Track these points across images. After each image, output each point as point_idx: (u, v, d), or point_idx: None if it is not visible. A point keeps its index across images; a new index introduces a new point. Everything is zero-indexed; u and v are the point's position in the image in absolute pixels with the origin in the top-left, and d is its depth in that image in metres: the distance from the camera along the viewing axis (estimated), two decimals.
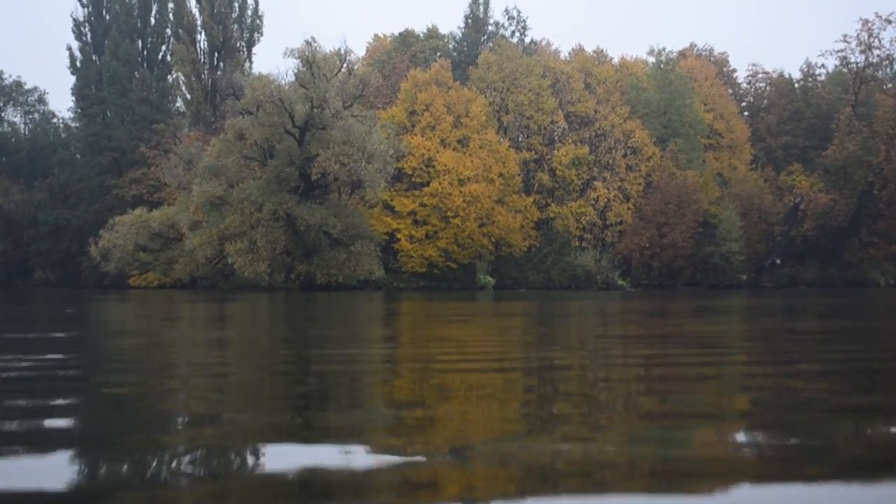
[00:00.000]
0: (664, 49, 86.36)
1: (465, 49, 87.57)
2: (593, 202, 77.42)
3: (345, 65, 68.95)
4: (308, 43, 66.38)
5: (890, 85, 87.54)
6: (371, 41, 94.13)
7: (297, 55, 65.85)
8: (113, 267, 68.42)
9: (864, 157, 79.34)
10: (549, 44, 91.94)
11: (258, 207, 63.12)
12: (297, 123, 64.86)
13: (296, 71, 67.03)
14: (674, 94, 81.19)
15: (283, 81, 67.97)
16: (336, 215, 64.52)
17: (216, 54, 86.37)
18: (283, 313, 26.46)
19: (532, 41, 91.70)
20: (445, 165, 72.03)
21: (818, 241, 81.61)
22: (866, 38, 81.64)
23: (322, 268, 64.39)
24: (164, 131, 79.32)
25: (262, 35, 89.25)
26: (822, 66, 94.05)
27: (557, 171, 77.47)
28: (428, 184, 72.22)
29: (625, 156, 79.08)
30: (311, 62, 65.40)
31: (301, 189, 65.49)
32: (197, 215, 65.09)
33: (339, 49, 68.68)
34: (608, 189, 77.64)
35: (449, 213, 71.45)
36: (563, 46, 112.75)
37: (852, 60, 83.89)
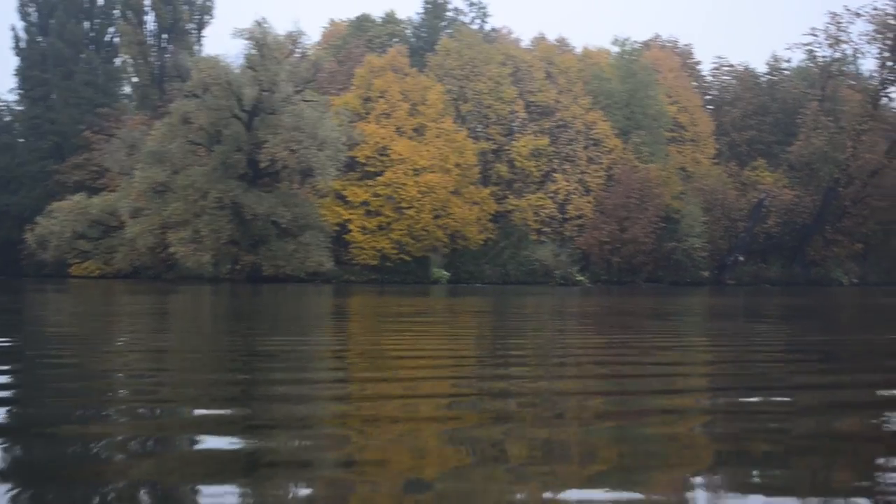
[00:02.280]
0: (628, 39, 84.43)
1: (424, 35, 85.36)
2: (553, 195, 75.48)
3: (297, 48, 66.72)
4: (258, 24, 64.32)
5: (854, 82, 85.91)
6: (327, 26, 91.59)
7: (246, 36, 63.74)
8: (50, 255, 66.00)
9: (829, 154, 78.12)
10: (509, 32, 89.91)
11: (203, 195, 61.16)
12: (245, 107, 62.91)
13: (245, 53, 64.64)
14: (637, 85, 79.30)
15: (233, 64, 65.70)
16: (285, 204, 62.73)
17: (165, 36, 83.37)
18: (215, 311, 24.87)
19: (492, 29, 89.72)
20: (400, 154, 70.12)
21: (782, 239, 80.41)
22: (834, 31, 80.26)
23: (269, 259, 62.67)
24: (108, 115, 76.42)
25: (212, 17, 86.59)
26: (789, 60, 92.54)
27: (516, 163, 75.54)
28: (382, 173, 70.24)
29: (586, 147, 77.23)
30: (262, 43, 63.32)
31: (249, 176, 63.63)
32: (138, 202, 62.99)
33: (291, 31, 66.28)
34: (568, 181, 75.74)
35: (403, 204, 69.52)
36: (525, 35, 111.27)
37: (819, 55, 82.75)
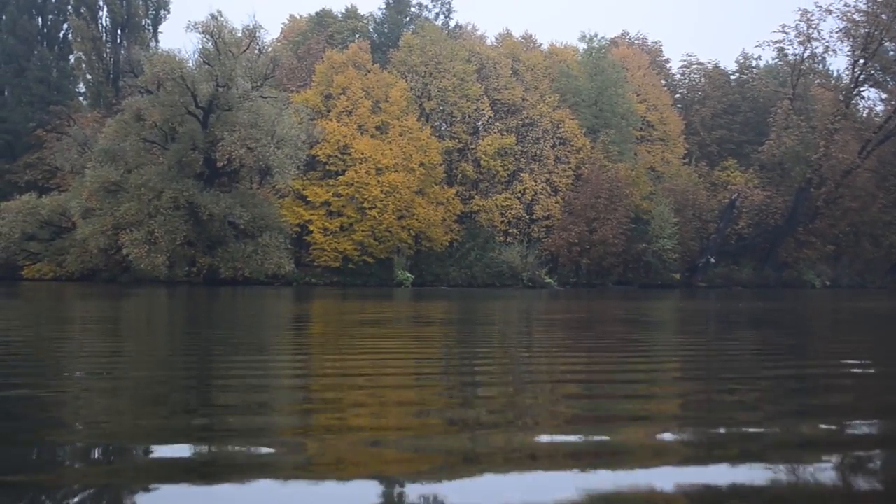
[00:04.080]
0: (596, 36, 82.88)
1: (386, 31, 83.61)
2: (519, 195, 73.95)
3: (255, 42, 64.73)
4: (214, 17, 62.45)
5: (826, 80, 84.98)
6: (287, 22, 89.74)
7: (200, 29, 61.72)
8: None
9: (801, 153, 77.19)
10: (474, 28, 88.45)
11: (157, 195, 59.25)
12: (200, 104, 61.05)
13: (200, 47, 62.65)
14: (605, 82, 77.78)
15: (189, 60, 63.78)
16: (243, 204, 60.92)
17: (119, 32, 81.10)
18: (166, 316, 23.68)
19: (457, 25, 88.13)
20: (362, 153, 68.40)
21: (753, 240, 79.36)
22: (805, 29, 79.19)
23: (227, 261, 60.81)
24: (61, 113, 74.09)
25: (168, 12, 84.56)
26: (759, 57, 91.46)
27: (482, 162, 73.93)
28: (343, 172, 68.51)
29: (553, 146, 75.71)
30: (217, 37, 61.25)
31: (205, 175, 61.83)
32: (90, 202, 60.73)
33: (248, 25, 64.14)
34: (535, 181, 74.18)
35: (365, 205, 67.73)
36: (490, 31, 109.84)
37: (790, 52, 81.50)
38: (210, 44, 61.69)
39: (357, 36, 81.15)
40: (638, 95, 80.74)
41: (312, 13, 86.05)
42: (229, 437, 6.00)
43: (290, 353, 13.02)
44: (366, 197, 67.56)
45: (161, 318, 22.56)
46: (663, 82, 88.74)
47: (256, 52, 65.80)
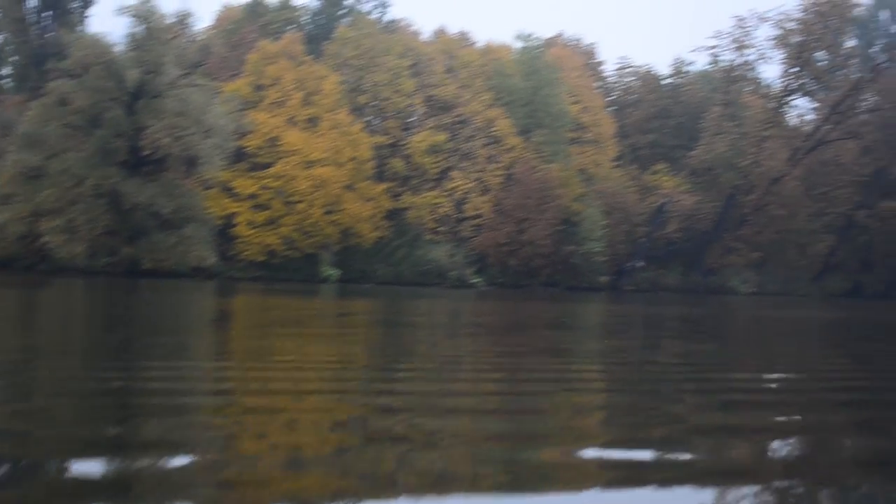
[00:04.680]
0: (531, 35, 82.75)
1: (321, 22, 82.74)
2: (450, 193, 73.43)
3: (186, 29, 63.82)
4: (144, 1, 60.77)
5: (758, 87, 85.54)
6: (221, 10, 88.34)
7: (131, 13, 60.68)
8: None
9: (731, 159, 77.74)
10: (410, 24, 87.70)
11: (79, 182, 58.20)
12: (127, 90, 59.82)
13: (129, 32, 61.43)
14: (540, 82, 77.56)
15: (118, 45, 62.66)
16: (167, 195, 60.01)
17: (47, 14, 79.33)
18: (79, 311, 23.52)
19: (393, 19, 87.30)
20: (292, 146, 67.74)
21: (682, 245, 79.37)
22: (739, 35, 79.96)
23: (149, 252, 59.81)
24: None
25: None
26: (693, 62, 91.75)
27: (413, 158, 73.44)
28: (272, 165, 67.76)
29: (485, 145, 75.25)
30: (147, 22, 60.19)
31: (130, 164, 60.65)
32: (9, 188, 59.12)
33: (180, 11, 63.18)
34: (466, 180, 73.71)
35: (293, 198, 67.08)
36: (426, 27, 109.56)
37: (724, 59, 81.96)
38: (140, 28, 60.63)
39: (291, 27, 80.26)
40: (572, 97, 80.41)
41: (246, 2, 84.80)
42: (144, 451, 5.83)
43: (208, 360, 12.69)
44: (294, 190, 66.85)
45: (72, 313, 22.00)
46: (597, 84, 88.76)
47: (187, 39, 64.85)
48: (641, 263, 77.09)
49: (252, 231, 66.53)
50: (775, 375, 12.35)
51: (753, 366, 14.06)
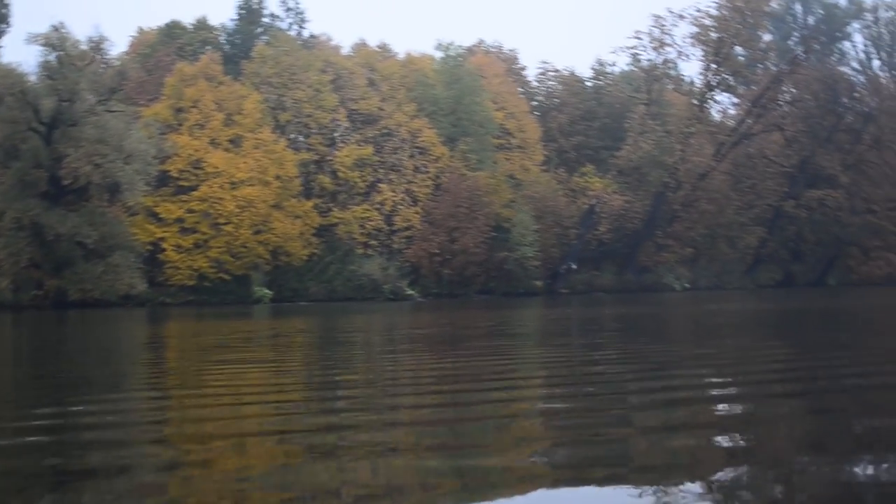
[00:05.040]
0: (452, 44, 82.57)
1: (238, 42, 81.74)
2: (379, 206, 73.09)
3: (100, 55, 62.76)
4: (56, 28, 60.04)
5: (679, 85, 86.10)
6: (135, 35, 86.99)
7: (41, 41, 59.47)
8: None
9: (658, 158, 78.17)
10: (329, 38, 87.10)
11: None
12: (43, 119, 58.83)
13: (42, 60, 60.34)
14: (463, 90, 77.47)
15: (31, 74, 61.53)
16: (91, 223, 58.96)
17: None
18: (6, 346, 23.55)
19: (311, 35, 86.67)
20: (216, 167, 67.15)
21: (614, 245, 79.79)
22: (658, 34, 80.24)
23: (75, 283, 58.84)
24: None
25: (9, 25, 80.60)
26: (614, 64, 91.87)
27: (340, 173, 72.91)
28: (197, 187, 67.04)
29: (412, 156, 75.15)
30: (60, 50, 59.16)
31: (51, 194, 59.46)
32: None
33: (93, 37, 62.10)
34: (394, 192, 73.52)
35: (220, 220, 66.38)
36: (345, 41, 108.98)
37: (644, 58, 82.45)
38: (52, 56, 59.59)
39: (208, 47, 79.19)
40: (495, 103, 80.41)
41: (162, 25, 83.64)
42: (86, 478, 5.74)
43: (143, 389, 12.53)
44: (220, 212, 66.14)
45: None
46: (520, 90, 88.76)
47: (102, 65, 63.83)
48: (575, 266, 77.11)
49: (180, 255, 65.62)
50: (715, 370, 12.26)
51: (695, 363, 13.95)
